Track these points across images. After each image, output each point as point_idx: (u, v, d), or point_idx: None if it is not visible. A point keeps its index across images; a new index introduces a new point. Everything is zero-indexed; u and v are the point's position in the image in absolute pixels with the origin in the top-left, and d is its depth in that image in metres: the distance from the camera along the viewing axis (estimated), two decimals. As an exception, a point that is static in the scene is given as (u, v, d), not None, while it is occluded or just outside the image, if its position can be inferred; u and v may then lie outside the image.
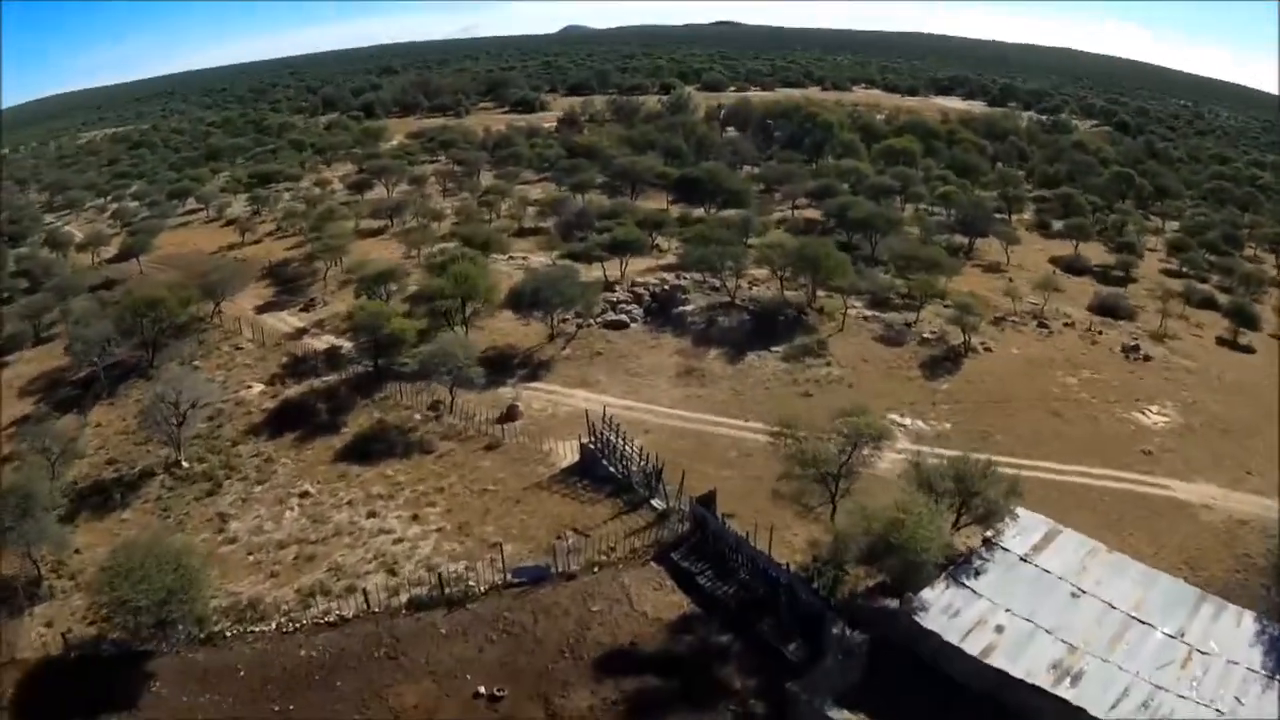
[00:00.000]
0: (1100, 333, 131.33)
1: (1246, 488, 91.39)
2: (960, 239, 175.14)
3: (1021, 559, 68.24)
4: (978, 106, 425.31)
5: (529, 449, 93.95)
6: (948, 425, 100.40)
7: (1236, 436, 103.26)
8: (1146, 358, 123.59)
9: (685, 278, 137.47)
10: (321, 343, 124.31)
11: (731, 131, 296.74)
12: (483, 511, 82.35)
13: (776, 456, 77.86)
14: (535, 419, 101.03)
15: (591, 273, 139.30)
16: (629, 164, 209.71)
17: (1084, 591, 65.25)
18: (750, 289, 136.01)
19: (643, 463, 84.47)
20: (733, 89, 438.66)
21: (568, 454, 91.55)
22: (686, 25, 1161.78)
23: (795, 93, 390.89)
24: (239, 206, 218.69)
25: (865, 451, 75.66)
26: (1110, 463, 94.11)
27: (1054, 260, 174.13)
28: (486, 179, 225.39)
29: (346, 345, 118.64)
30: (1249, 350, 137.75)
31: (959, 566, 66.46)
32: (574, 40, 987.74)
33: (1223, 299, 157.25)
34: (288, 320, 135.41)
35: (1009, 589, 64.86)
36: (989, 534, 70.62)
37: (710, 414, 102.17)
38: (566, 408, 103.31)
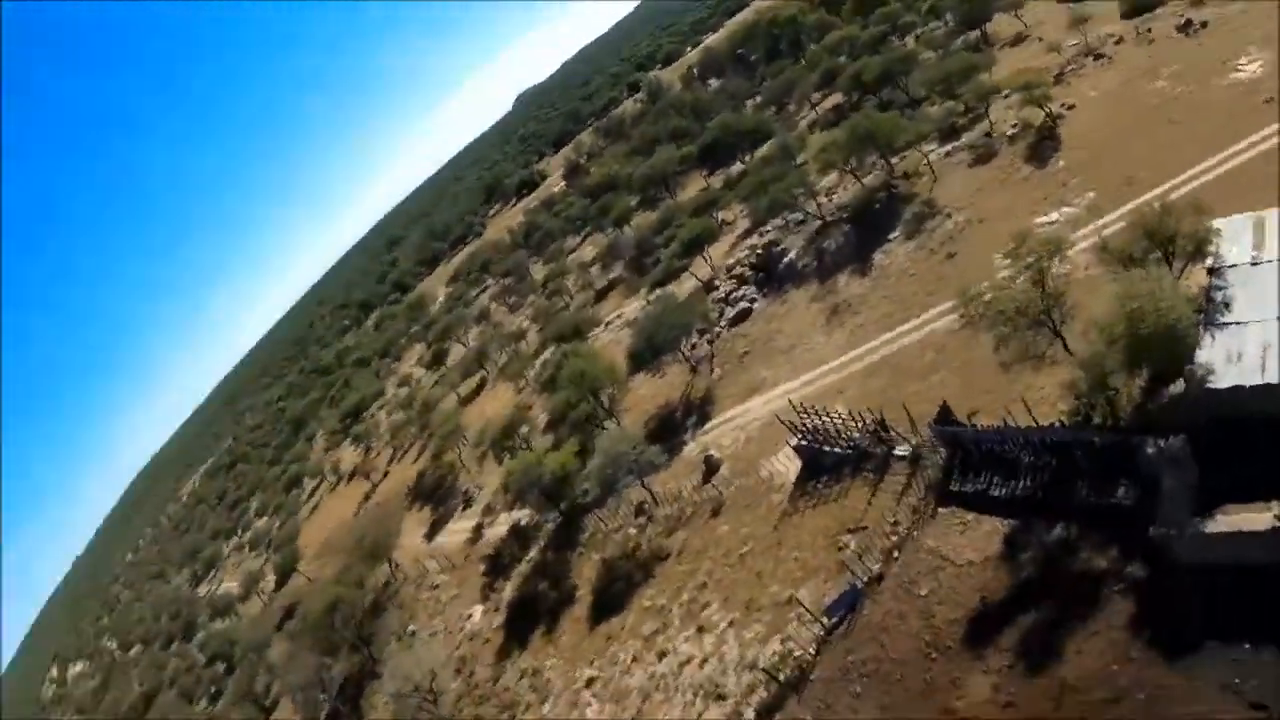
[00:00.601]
0: (1149, 30, 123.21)
1: None
2: (973, 34, 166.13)
3: (1253, 264, 63.46)
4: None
5: (750, 487, 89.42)
6: (1090, 194, 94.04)
7: None
8: (1203, 24, 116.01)
9: (768, 231, 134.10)
10: (502, 527, 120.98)
11: (715, 82, 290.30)
12: (755, 577, 77.72)
13: (976, 329, 72.13)
14: (736, 455, 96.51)
15: (685, 286, 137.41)
16: (648, 170, 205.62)
17: None
18: (831, 199, 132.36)
19: (860, 424, 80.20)
20: (690, 48, 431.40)
21: (788, 466, 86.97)
22: (615, 25, 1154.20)
23: (744, 14, 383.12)
24: (350, 455, 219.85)
25: (1055, 269, 68.89)
26: (1247, 129, 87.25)
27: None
28: (540, 272, 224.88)
29: (525, 514, 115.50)
30: None
31: (1208, 312, 61.32)
32: (531, 103, 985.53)
33: None
34: (460, 528, 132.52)
35: (1266, 296, 60.04)
36: (1209, 263, 65.13)
37: (883, 333, 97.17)
38: (755, 423, 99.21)
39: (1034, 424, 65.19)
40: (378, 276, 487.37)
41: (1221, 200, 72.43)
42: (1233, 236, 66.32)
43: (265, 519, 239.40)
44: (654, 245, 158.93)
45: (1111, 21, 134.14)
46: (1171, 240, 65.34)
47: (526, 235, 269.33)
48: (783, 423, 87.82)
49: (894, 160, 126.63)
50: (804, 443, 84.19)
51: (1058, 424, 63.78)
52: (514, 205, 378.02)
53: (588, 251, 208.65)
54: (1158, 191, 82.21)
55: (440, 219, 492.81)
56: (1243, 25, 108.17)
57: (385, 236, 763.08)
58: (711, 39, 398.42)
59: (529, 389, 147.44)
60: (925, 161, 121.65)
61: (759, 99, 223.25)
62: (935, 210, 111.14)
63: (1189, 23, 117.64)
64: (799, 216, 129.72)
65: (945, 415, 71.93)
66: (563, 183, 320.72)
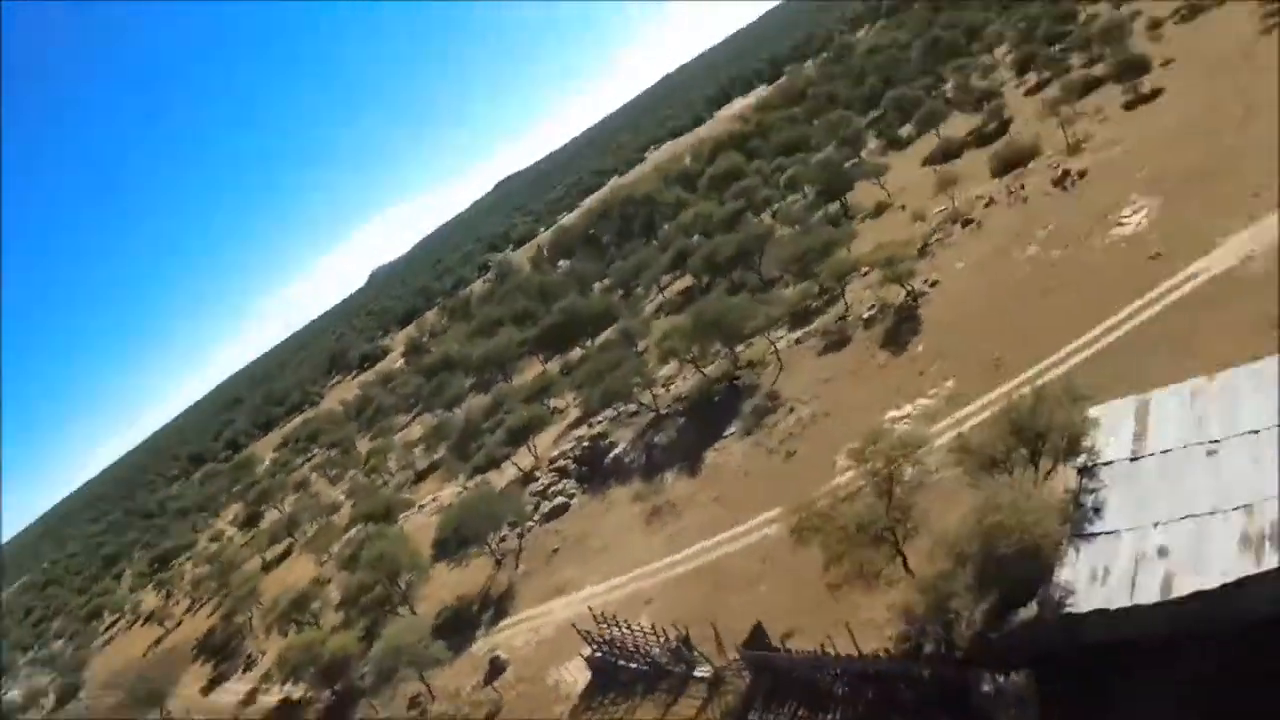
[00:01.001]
0: (1022, 187, 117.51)
1: (1259, 211, 79.88)
2: (833, 206, 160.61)
3: (1132, 459, 53.97)
4: (763, 91, 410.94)
5: (534, 694, 79.33)
6: (950, 383, 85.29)
7: (1222, 175, 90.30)
8: (1080, 174, 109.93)
9: (599, 422, 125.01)
10: (274, 697, 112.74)
11: (565, 264, 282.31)
12: None
13: (807, 543, 61.47)
14: (526, 658, 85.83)
15: (506, 475, 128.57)
16: (486, 352, 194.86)
17: (1217, 441, 51.26)
18: (669, 390, 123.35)
19: (661, 639, 70.26)
20: (543, 229, 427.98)
21: (578, 676, 77.16)
22: (473, 204, 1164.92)
23: (601, 193, 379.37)
24: (152, 599, 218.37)
25: (903, 476, 60.09)
26: (1130, 293, 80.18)
27: (928, 160, 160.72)
28: (365, 447, 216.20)
29: (300, 689, 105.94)
30: (1157, 94, 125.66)
31: (1074, 520, 51.81)
32: (384, 280, 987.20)
33: (1098, 70, 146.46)
34: (236, 689, 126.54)
35: (1141, 499, 50.71)
36: (1082, 461, 55.49)
37: (706, 539, 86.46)
38: (551, 627, 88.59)
39: (856, 651, 56.12)
40: (213, 433, 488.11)
41: (1102, 381, 65.50)
42: (1112, 426, 57.17)
43: (61, 642, 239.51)
44: (481, 430, 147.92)
45: (982, 180, 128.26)
46: (1041, 436, 55.95)
47: (359, 409, 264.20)
48: (578, 631, 77.70)
49: (739, 348, 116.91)
50: (598, 654, 75.16)
51: (883, 652, 55.80)
52: (354, 377, 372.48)
53: (415, 430, 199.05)
54: (1028, 374, 76.01)
55: (281, 385, 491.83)
56: (1125, 167, 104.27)
57: (230, 396, 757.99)
58: (567, 218, 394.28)
59: (331, 563, 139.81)
60: (772, 349, 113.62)
61: (608, 281, 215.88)
62: (778, 403, 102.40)
63: (1065, 174, 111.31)
64: (633, 408, 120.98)
65: (757, 637, 63.09)
66: (402, 360, 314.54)
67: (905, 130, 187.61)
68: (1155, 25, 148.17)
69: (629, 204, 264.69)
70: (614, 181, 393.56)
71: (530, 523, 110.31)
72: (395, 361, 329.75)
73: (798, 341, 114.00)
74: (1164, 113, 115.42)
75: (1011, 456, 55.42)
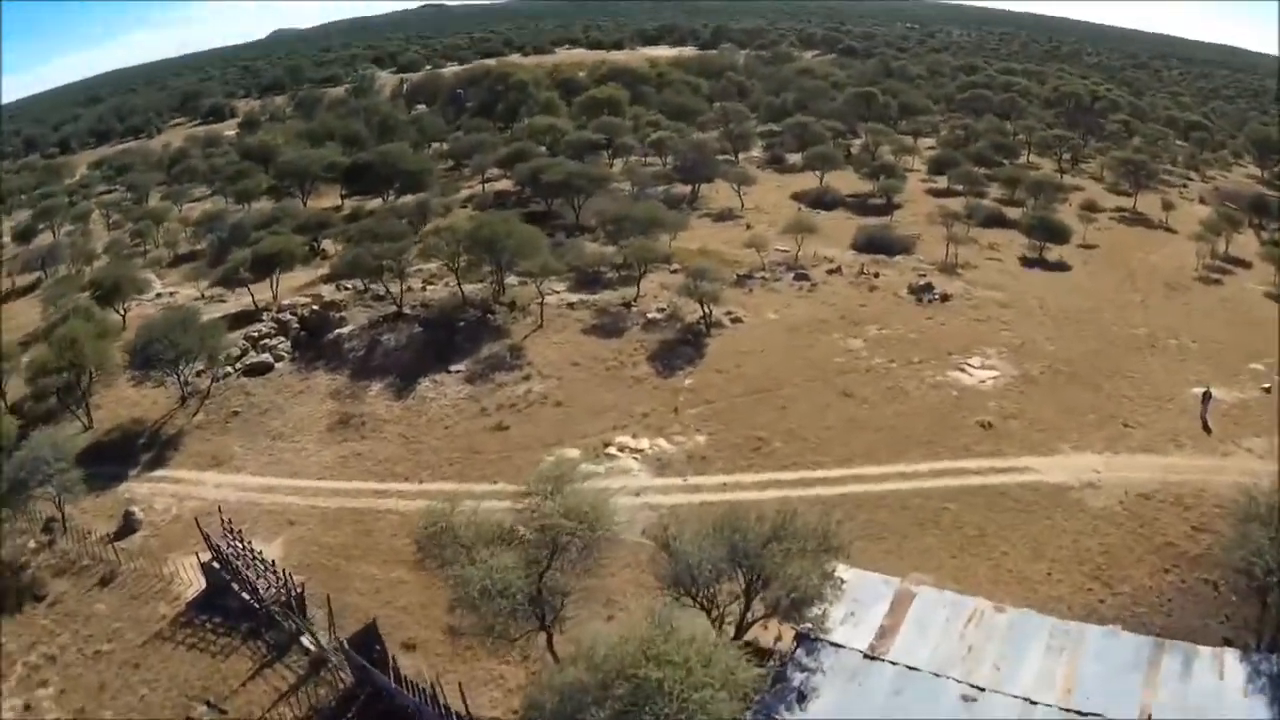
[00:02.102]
0: (876, 275, 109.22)
1: (1132, 445, 73.60)
2: (682, 188, 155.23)
3: (867, 656, 44.06)
4: (689, 52, 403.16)
5: (148, 577, 66.41)
6: (701, 439, 76.52)
7: (1092, 379, 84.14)
8: (944, 297, 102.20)
9: (346, 288, 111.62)
10: None
11: (422, 108, 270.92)
12: (98, 687, 56.87)
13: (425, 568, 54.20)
14: (157, 526, 73.27)
15: (241, 301, 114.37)
16: (297, 159, 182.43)
17: (981, 689, 41.67)
18: (425, 290, 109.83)
19: (278, 583, 59.23)
20: (429, 67, 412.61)
21: (193, 579, 64.86)
22: (391, 12, 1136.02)
23: (492, 62, 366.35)
24: None
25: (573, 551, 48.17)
26: (941, 450, 72.70)
27: (796, 196, 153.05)
28: (153, 204, 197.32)
29: None
30: (1063, 267, 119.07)
31: (769, 699, 41.53)
32: (280, 43, 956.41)
33: (1014, 213, 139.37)
34: None
35: (860, 712, 41.26)
36: (806, 627, 45.25)
37: (373, 479, 76.45)
38: (195, 501, 75.57)
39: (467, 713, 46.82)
40: (54, 124, 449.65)
41: (860, 525, 61.01)
42: (859, 602, 47.83)
43: None
44: (247, 238, 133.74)
45: (839, 243, 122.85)
46: (760, 574, 45.92)
47: (172, 162, 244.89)
48: (201, 530, 65.34)
49: (510, 280, 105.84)
50: (215, 566, 63.05)
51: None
52: (194, 125, 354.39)
53: (196, 211, 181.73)
54: (788, 476, 68.95)
55: (135, 102, 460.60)
56: (994, 319, 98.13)
57: (93, 92, 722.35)
58: (452, 68, 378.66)
59: (45, 322, 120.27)
60: (539, 301, 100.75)
61: (444, 147, 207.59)
62: (518, 363, 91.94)
63: (929, 287, 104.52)
64: (379, 290, 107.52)
65: (367, 637, 52.89)
66: (236, 130, 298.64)
67: (794, 158, 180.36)
68: (1091, 208, 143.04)
69: (503, 83, 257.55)
70: (512, 58, 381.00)
71: (229, 369, 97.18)
72: (231, 129, 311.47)
73: (570, 307, 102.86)
74: (1059, 289, 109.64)
75: (715, 586, 46.34)
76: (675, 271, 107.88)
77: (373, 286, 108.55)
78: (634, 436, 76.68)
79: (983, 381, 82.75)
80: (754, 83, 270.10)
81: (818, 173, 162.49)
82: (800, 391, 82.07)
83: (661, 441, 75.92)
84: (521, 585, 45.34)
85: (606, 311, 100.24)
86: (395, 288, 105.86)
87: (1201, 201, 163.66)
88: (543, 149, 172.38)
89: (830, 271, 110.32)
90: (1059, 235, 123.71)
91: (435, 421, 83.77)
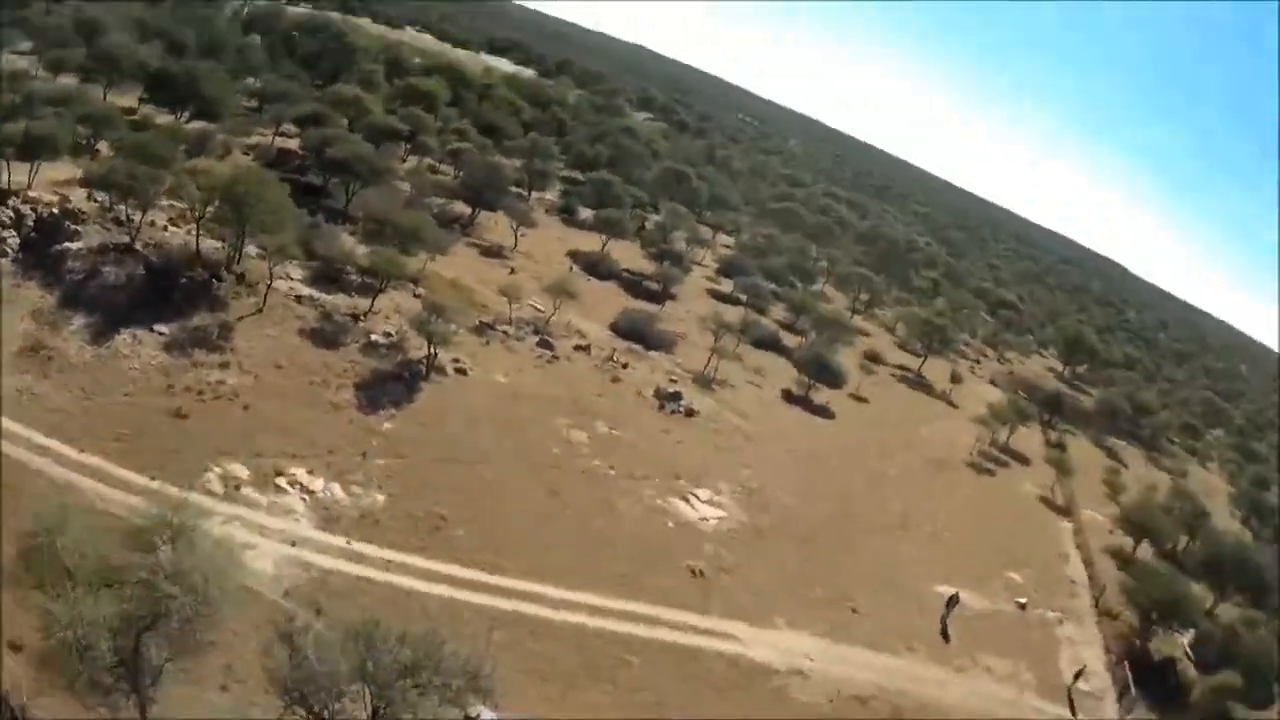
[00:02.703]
0: (625, 366, 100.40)
1: (856, 636, 66.63)
2: (462, 208, 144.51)
3: None
4: (528, 74, 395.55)
5: None
6: (380, 497, 67.00)
7: (827, 549, 77.10)
8: (690, 411, 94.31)
9: (94, 203, 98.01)
10: None
11: (256, 39, 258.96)
12: None
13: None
14: None
15: None
16: (112, 46, 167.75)
17: None
18: (167, 230, 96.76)
19: None
20: (286, 3, 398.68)
21: None
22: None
23: (338, 16, 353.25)
24: None
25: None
26: (640, 589, 64.22)
27: (573, 255, 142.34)
28: None
29: None
30: (827, 413, 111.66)
31: None
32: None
33: (792, 341, 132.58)
34: None
35: None
36: None
37: (38, 429, 64.85)
38: None
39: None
40: None
41: (517, 658, 52.95)
42: None
43: None
44: (24, 113, 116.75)
45: (598, 318, 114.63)
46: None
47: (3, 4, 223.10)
48: None
49: (253, 251, 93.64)
50: None
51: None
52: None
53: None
54: (456, 569, 60.36)
55: None
56: (731, 448, 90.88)
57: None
58: (303, 9, 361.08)
59: None
60: (268, 282, 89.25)
61: (257, 84, 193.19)
62: (222, 344, 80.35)
63: (676, 396, 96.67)
64: (124, 217, 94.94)
65: None
66: None
67: (586, 214, 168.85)
68: (874, 359, 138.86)
69: (336, 41, 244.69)
70: (363, 20, 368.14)
71: None
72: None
73: (298, 299, 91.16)
74: (816, 437, 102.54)
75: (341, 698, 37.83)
76: (418, 296, 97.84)
77: (118, 206, 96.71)
78: (310, 472, 66.98)
79: (705, 519, 74.54)
80: (575, 125, 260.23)
81: (604, 237, 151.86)
82: (504, 474, 72.70)
83: (337, 488, 66.31)
84: (108, 648, 37.57)
85: (331, 317, 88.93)
86: (138, 218, 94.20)
87: (992, 382, 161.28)
88: (345, 121, 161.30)
89: (578, 347, 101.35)
90: (832, 378, 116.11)
91: (119, 384, 72.97)
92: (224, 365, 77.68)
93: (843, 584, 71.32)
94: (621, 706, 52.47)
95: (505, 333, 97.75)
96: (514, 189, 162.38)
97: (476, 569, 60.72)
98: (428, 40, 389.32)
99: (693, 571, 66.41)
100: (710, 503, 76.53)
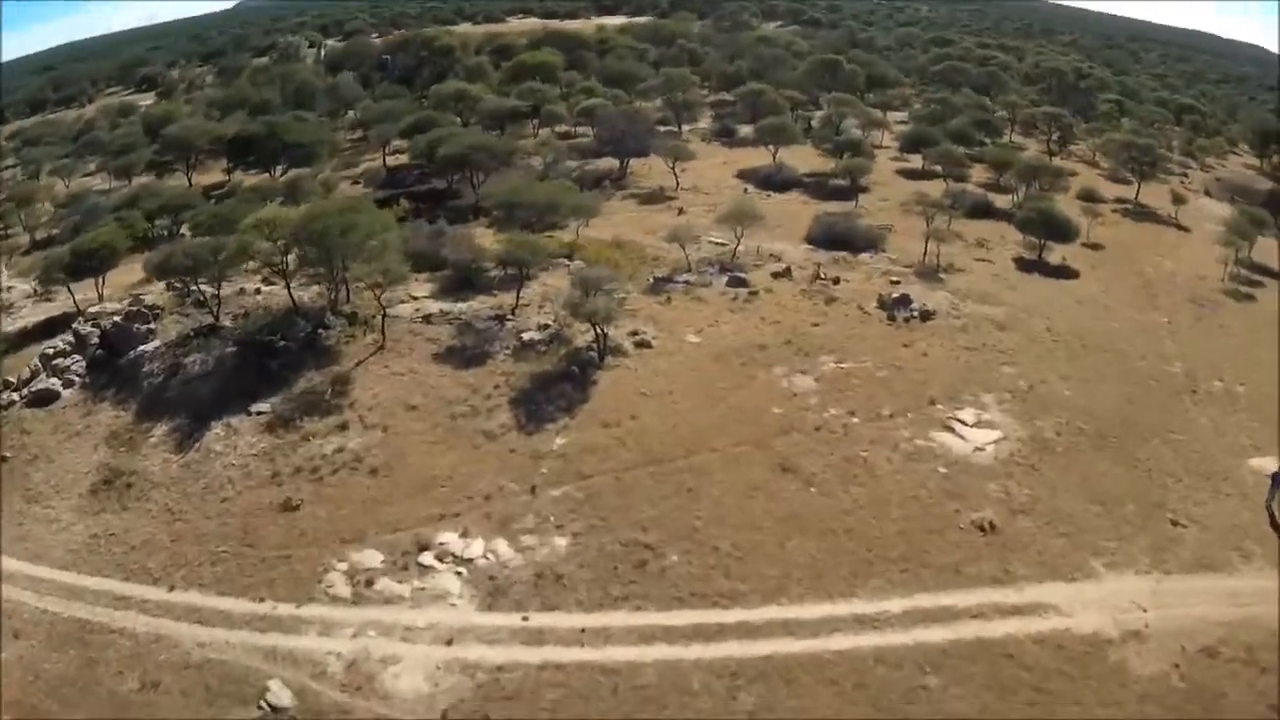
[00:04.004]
0: (837, 281, 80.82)
1: (1184, 558, 49.50)
2: (610, 163, 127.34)
3: None
4: (643, 21, 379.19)
5: None
6: (561, 542, 50.63)
7: (1125, 444, 59.22)
8: (925, 314, 74.00)
9: (176, 287, 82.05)
10: None
11: (349, 76, 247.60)
12: None
13: None
14: None
15: (56, 305, 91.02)
16: (180, 129, 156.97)
17: None
18: (259, 294, 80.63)
19: None
20: (375, 36, 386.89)
21: None
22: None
23: (436, 29, 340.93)
24: None
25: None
26: (921, 573, 47.54)
27: (744, 175, 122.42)
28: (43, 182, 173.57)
29: None
30: (1068, 273, 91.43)
31: None
32: (246, 11, 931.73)
33: (1001, 202, 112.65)
34: None
35: None
36: None
37: (119, 575, 53.49)
38: None
39: None
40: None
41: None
42: None
43: None
44: (103, 218, 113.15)
45: (790, 234, 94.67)
46: None
47: (80, 134, 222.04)
48: None
49: (358, 285, 75.59)
50: None
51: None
52: (129, 94, 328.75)
53: (61, 189, 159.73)
54: (671, 618, 45.36)
55: (76, 71, 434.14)
56: (987, 348, 70.79)
57: (48, 61, 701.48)
58: (394, 34, 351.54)
59: None
60: (379, 313, 71.60)
61: (355, 116, 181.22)
62: (337, 405, 64.26)
63: (905, 300, 76.09)
64: (211, 291, 77.65)
65: None
66: (156, 97, 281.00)
67: (746, 130, 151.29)
68: (1090, 198, 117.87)
69: (428, 49, 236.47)
70: (461, 27, 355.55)
71: (15, 396, 72.72)
72: (150, 99, 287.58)
73: (426, 320, 73.13)
74: (1067, 303, 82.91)
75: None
76: (571, 267, 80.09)
77: (194, 290, 79.74)
78: (464, 534, 51.03)
79: (979, 449, 56.50)
80: (707, 51, 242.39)
81: (771, 148, 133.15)
82: (718, 462, 55.04)
83: (502, 544, 50.25)
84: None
85: (472, 327, 71.43)
86: (219, 292, 78.73)
87: (1207, 194, 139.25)
88: (456, 119, 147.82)
89: (777, 275, 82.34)
90: (1063, 232, 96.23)
91: (213, 489, 58.58)
92: (341, 427, 62.06)
93: (1153, 488, 54.00)
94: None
95: (688, 282, 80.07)
96: (664, 129, 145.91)
97: (703, 607, 44.90)
98: (532, 22, 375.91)
99: (981, 528, 49.25)
100: (979, 424, 58.68)
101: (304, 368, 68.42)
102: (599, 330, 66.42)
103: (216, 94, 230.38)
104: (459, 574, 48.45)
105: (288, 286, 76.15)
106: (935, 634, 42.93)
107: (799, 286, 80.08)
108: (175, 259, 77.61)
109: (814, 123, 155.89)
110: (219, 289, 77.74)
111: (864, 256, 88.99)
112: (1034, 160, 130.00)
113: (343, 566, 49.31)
